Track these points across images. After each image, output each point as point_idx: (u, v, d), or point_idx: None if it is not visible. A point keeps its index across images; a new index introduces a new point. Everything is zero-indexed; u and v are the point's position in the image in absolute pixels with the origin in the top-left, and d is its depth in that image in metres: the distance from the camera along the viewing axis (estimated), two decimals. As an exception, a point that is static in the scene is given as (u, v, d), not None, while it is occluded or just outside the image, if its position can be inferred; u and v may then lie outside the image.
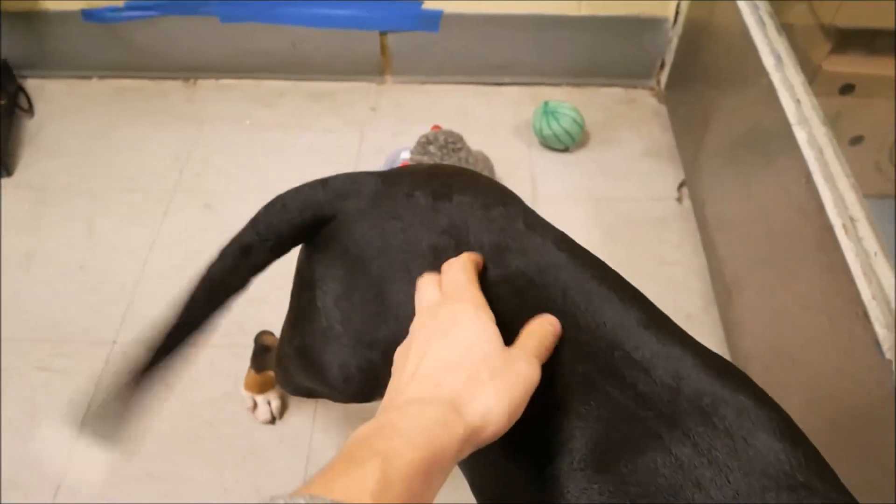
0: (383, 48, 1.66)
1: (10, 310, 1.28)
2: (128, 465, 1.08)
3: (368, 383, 0.65)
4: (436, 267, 0.56)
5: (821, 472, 0.44)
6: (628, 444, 0.46)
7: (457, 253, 0.57)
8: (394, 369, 0.49)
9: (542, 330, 0.50)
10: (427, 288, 0.53)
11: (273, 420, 1.12)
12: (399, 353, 0.50)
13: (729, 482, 0.43)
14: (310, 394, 0.89)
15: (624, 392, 0.48)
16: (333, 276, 0.64)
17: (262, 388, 1.10)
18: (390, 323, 0.60)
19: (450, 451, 0.41)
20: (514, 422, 0.45)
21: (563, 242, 0.59)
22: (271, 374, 1.05)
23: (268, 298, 1.30)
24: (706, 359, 0.50)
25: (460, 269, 0.52)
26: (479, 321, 0.48)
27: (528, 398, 0.46)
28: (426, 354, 0.47)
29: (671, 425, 0.46)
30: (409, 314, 0.53)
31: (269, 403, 1.11)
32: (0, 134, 1.52)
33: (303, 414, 1.14)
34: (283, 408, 1.14)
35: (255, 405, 1.12)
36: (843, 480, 0.45)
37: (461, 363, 0.45)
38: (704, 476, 0.43)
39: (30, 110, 1.65)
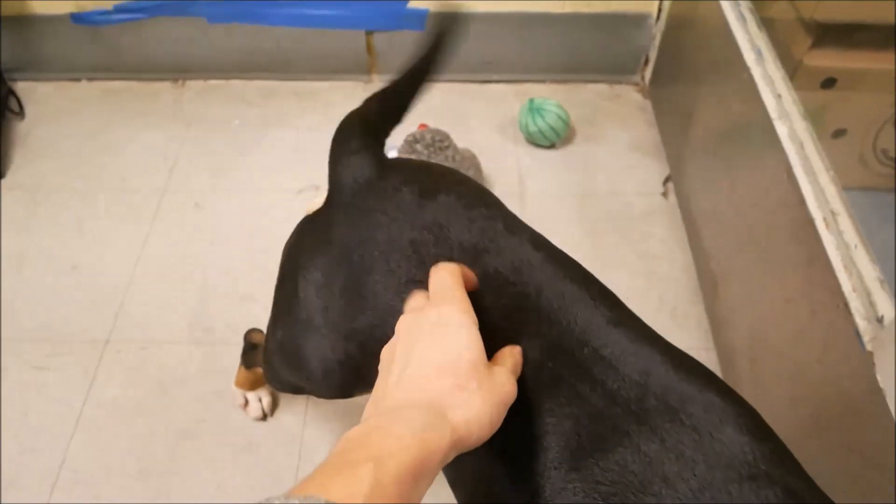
0: (369, 47, 1.66)
1: (5, 310, 1.29)
2: (121, 463, 1.10)
3: (349, 377, 0.66)
4: (414, 260, 0.57)
5: (784, 463, 0.45)
6: (598, 441, 0.48)
7: (436, 249, 0.59)
8: (380, 368, 0.50)
9: (515, 356, 0.52)
10: (416, 296, 0.54)
11: (264, 416, 1.13)
12: (385, 353, 0.51)
13: (695, 475, 0.44)
14: (296, 390, 0.90)
15: (593, 389, 0.50)
16: (317, 264, 0.65)
17: (252, 385, 1.12)
18: (367, 314, 0.61)
19: (438, 455, 0.42)
20: (494, 431, 0.46)
21: (539, 243, 0.60)
22: (261, 371, 1.07)
23: (256, 297, 1.31)
24: (674, 357, 0.51)
25: (447, 273, 0.53)
26: (465, 326, 0.48)
27: (506, 410, 0.47)
28: (412, 357, 0.48)
29: (640, 422, 0.47)
30: (386, 306, 0.54)
31: (259, 400, 1.12)
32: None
33: (294, 410, 1.15)
34: (274, 404, 1.15)
35: (245, 402, 1.13)
36: (826, 470, 0.46)
37: (448, 368, 0.47)
38: (672, 470, 0.45)
39: (20, 113, 1.65)
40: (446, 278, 0.52)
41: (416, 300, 0.54)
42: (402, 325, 0.51)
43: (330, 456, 0.41)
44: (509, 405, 0.48)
